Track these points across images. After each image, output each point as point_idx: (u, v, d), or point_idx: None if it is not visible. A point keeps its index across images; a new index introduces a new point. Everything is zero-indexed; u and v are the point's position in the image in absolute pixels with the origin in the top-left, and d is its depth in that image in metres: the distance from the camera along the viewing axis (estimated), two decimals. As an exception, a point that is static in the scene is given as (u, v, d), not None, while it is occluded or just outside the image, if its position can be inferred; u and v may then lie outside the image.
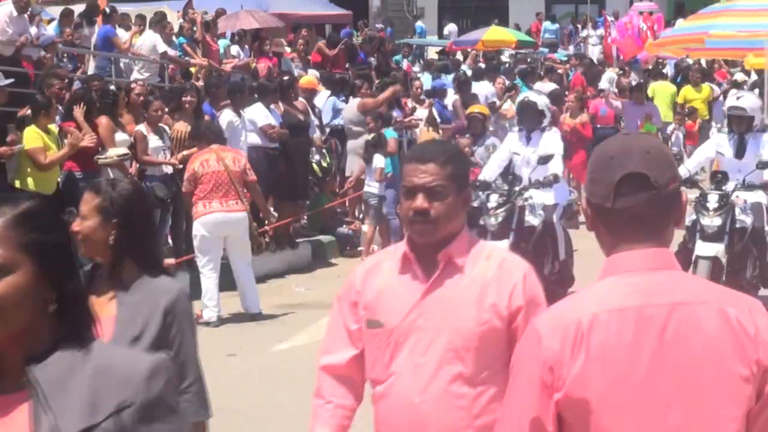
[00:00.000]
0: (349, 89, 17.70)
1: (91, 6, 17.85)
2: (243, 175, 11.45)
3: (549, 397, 2.49)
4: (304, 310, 11.84)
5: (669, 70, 26.52)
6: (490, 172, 11.63)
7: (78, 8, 17.95)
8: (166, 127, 13.08)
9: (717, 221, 10.49)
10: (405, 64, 25.19)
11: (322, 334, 4.13)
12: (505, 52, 29.74)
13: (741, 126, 11.11)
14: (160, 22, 17.93)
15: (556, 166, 11.22)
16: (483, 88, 19.90)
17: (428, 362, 3.59)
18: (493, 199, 10.98)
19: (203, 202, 11.31)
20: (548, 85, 21.16)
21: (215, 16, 20.50)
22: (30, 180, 11.71)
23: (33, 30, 15.65)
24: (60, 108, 12.59)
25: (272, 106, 14.60)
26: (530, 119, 11.65)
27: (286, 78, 16.16)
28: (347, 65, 21.80)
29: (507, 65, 26.15)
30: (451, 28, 35.50)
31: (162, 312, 4.07)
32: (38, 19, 16.68)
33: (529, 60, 27.89)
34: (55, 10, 18.54)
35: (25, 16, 14.75)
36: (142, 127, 12.85)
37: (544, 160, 11.12)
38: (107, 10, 18.06)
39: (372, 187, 14.87)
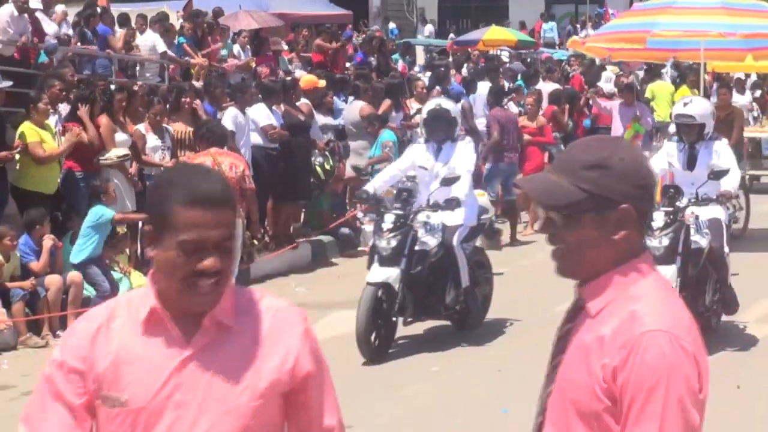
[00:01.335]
0: (350, 89, 17.65)
1: (90, 4, 17.85)
2: (240, 182, 11.17)
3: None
4: (304, 310, 11.82)
5: (668, 70, 26.53)
6: (378, 183, 10.38)
7: (74, 11, 17.97)
8: (170, 128, 13.08)
9: (665, 242, 9.42)
10: (401, 64, 25.14)
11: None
12: (505, 52, 29.75)
13: (691, 135, 10.23)
14: (161, 22, 17.95)
15: (460, 189, 9.93)
16: (484, 89, 19.87)
17: None
18: (389, 220, 9.82)
19: None
20: (549, 85, 21.17)
21: (215, 16, 20.48)
22: (31, 180, 11.70)
23: (55, 27, 15.74)
24: (60, 109, 12.60)
25: (274, 107, 14.61)
26: (441, 129, 10.29)
27: (288, 79, 16.19)
28: (347, 65, 21.81)
29: (507, 65, 26.15)
30: (429, 28, 35.47)
31: None
32: (58, 16, 16.74)
33: (529, 60, 27.89)
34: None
35: (26, 16, 14.76)
36: (141, 127, 12.87)
37: (448, 182, 9.96)
38: (99, 9, 18.04)
39: None
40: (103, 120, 12.40)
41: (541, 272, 13.87)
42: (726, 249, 9.94)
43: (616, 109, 18.50)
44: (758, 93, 25.61)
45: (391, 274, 9.58)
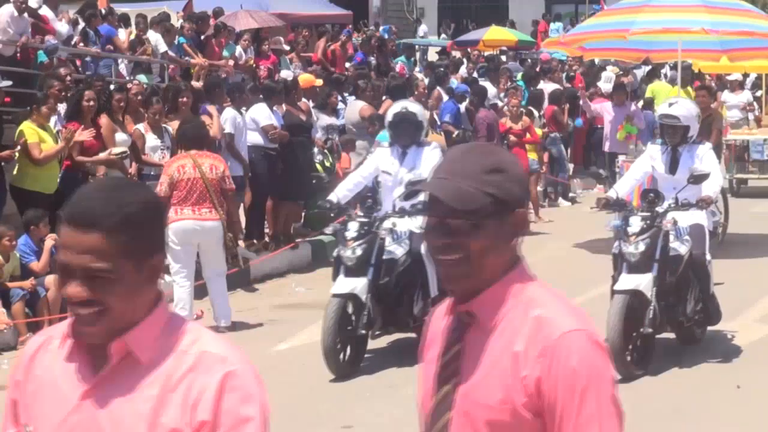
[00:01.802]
0: (351, 89, 17.65)
1: (90, 4, 17.86)
2: (221, 182, 11.02)
3: None
4: (304, 310, 11.82)
5: (668, 70, 26.55)
6: (342, 191, 9.93)
7: (71, 10, 17.99)
8: (169, 128, 13.07)
9: (641, 247, 9.01)
10: (399, 65, 25.14)
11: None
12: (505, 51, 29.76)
13: (674, 137, 9.89)
14: (162, 23, 17.95)
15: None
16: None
17: None
18: (352, 228, 9.41)
19: (175, 209, 10.86)
20: (550, 85, 21.18)
21: (215, 16, 20.49)
22: (30, 180, 11.70)
23: (66, 27, 15.76)
24: (60, 109, 12.60)
25: (275, 108, 14.61)
26: (407, 133, 9.88)
27: (289, 79, 16.18)
28: (346, 65, 21.81)
29: (507, 65, 26.15)
30: (424, 28, 35.45)
31: None
32: (64, 16, 16.75)
33: (529, 60, 27.88)
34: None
35: (26, 16, 14.78)
36: (141, 126, 12.87)
37: (413, 185, 9.16)
38: (103, 11, 18.05)
39: None
40: (103, 120, 12.39)
41: (542, 270, 13.93)
42: (708, 257, 9.51)
43: (608, 110, 18.43)
44: (759, 93, 25.53)
45: (358, 284, 9.19)
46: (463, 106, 18.33)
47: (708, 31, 14.66)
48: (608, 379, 2.50)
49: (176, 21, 19.73)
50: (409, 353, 9.90)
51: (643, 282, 8.90)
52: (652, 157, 10.05)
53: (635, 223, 9.11)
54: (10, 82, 13.17)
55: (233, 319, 11.19)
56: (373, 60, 22.80)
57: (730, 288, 11.03)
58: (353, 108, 16.47)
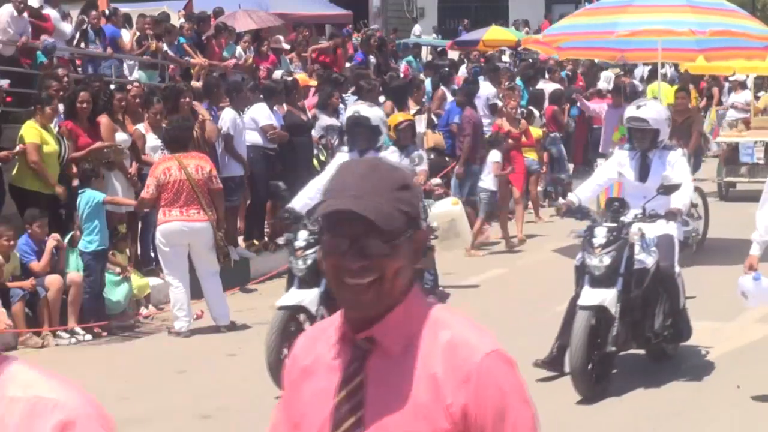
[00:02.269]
0: (353, 90, 17.57)
1: (91, 4, 17.85)
2: (208, 183, 11.01)
3: None
4: (305, 310, 11.81)
5: (667, 70, 26.54)
6: (302, 200, 9.49)
7: (78, 12, 17.96)
8: (170, 128, 13.08)
9: (605, 261, 8.49)
10: (403, 65, 25.13)
11: None
12: (506, 52, 29.73)
13: (643, 141, 9.27)
14: (163, 23, 17.95)
15: None
16: (484, 89, 19.85)
17: None
18: (302, 237, 8.97)
19: (164, 210, 10.89)
20: (550, 85, 21.17)
21: (215, 16, 20.47)
22: (30, 180, 11.69)
23: (69, 27, 15.77)
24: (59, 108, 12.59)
25: (276, 108, 14.60)
26: (362, 138, 9.59)
27: (289, 79, 16.17)
28: (346, 65, 21.79)
29: (507, 65, 26.13)
30: (416, 29, 35.44)
31: None
32: (70, 18, 16.76)
33: (531, 60, 27.88)
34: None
35: (25, 15, 14.78)
36: (141, 126, 12.86)
37: None
38: (107, 11, 18.05)
39: (485, 181, 15.32)
40: (103, 120, 12.39)
41: (541, 273, 13.90)
42: (677, 269, 9.01)
43: (604, 110, 18.33)
44: (761, 94, 25.49)
45: (305, 297, 8.72)
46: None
47: (695, 33, 14.44)
48: (529, 397, 2.44)
49: (176, 21, 19.72)
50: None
51: (608, 297, 8.40)
52: (619, 164, 9.41)
53: (600, 235, 8.57)
54: (7, 81, 13.17)
55: (232, 319, 11.20)
56: (372, 59, 22.77)
57: (731, 288, 10.99)
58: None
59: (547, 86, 20.95)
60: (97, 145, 12.10)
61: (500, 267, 14.16)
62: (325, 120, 15.94)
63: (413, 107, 18.09)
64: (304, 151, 14.64)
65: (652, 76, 24.00)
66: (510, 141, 16.18)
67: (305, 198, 9.42)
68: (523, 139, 16.73)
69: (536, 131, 17.81)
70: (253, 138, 14.08)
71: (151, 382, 9.33)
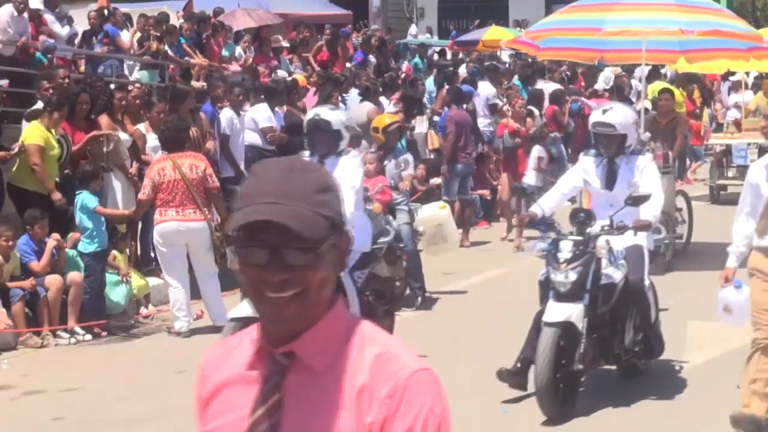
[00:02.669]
0: (360, 91, 17.57)
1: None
2: (203, 182, 10.94)
3: None
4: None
5: (667, 70, 26.53)
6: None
7: (78, 12, 17.96)
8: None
9: (572, 276, 8.02)
10: (405, 65, 25.14)
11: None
12: (505, 52, 29.71)
13: (610, 147, 8.69)
14: (163, 23, 17.95)
15: (344, 209, 9.13)
16: (484, 89, 19.87)
17: None
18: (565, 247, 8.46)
19: (160, 210, 10.87)
20: (550, 85, 21.17)
21: (214, 17, 20.48)
22: (29, 179, 11.68)
23: (66, 29, 15.78)
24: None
25: (276, 109, 14.59)
26: (322, 142, 9.16)
27: (289, 79, 16.18)
28: (347, 65, 21.80)
29: (507, 65, 26.14)
30: (412, 30, 35.42)
31: None
32: (68, 17, 16.77)
33: (529, 59, 27.88)
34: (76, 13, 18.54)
35: (25, 15, 14.79)
36: (141, 127, 12.86)
37: None
38: (106, 12, 18.06)
39: (528, 177, 15.46)
40: (104, 120, 12.40)
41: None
42: (647, 281, 8.57)
43: None
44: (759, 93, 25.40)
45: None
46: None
47: (685, 32, 14.18)
48: (450, 420, 2.34)
49: (176, 21, 19.72)
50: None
51: (574, 312, 7.95)
52: (585, 171, 8.86)
53: (566, 249, 8.11)
54: (6, 81, 13.17)
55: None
56: (372, 59, 22.78)
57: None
58: (361, 109, 16.37)
59: (546, 86, 20.95)
60: (93, 133, 12.12)
61: (500, 267, 14.16)
62: (324, 120, 15.94)
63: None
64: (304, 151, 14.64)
65: (652, 76, 24.03)
66: (518, 140, 16.24)
67: None
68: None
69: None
70: (252, 138, 14.08)
71: (151, 382, 9.33)
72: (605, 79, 24.00)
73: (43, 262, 10.96)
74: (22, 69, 14.55)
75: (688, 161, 23.82)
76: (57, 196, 11.57)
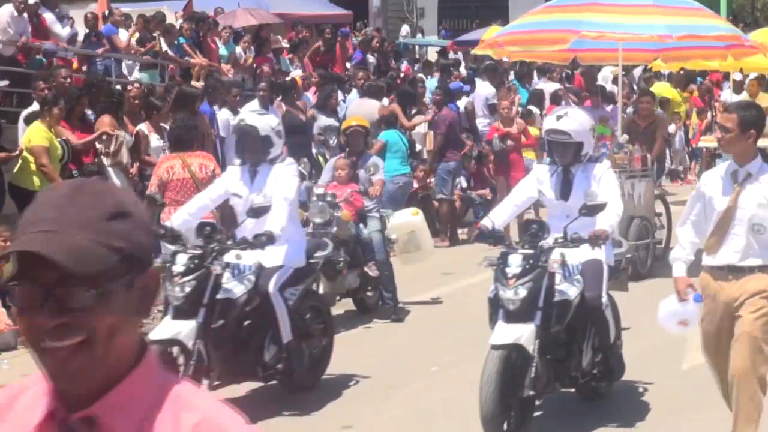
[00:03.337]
0: (359, 89, 17.59)
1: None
2: (212, 180, 10.62)
3: None
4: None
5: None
6: (181, 217, 8.48)
7: (78, 12, 18.00)
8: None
9: (521, 293, 7.38)
10: (404, 65, 25.14)
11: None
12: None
13: (565, 155, 8.05)
14: (162, 23, 17.98)
15: (275, 222, 8.08)
16: (483, 89, 19.88)
17: None
18: (180, 261, 7.87)
19: (169, 209, 10.68)
20: (550, 85, 21.18)
21: (214, 16, 20.51)
22: (31, 179, 11.69)
23: (67, 30, 15.80)
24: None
25: (273, 106, 14.57)
26: (251, 149, 8.46)
27: (287, 79, 16.16)
28: (347, 64, 21.82)
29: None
30: (403, 31, 35.43)
31: None
32: (71, 21, 16.80)
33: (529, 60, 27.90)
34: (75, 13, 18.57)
35: (25, 15, 14.81)
36: (144, 127, 12.84)
37: (255, 213, 8.06)
38: (105, 12, 18.10)
39: None
40: (105, 119, 12.41)
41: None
42: (605, 299, 7.84)
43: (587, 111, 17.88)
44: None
45: (184, 328, 7.69)
46: (462, 105, 18.34)
47: (663, 37, 13.86)
48: None
49: (175, 21, 19.74)
50: (409, 352, 9.91)
51: (524, 334, 7.32)
52: (539, 180, 8.21)
53: (515, 263, 7.48)
54: (6, 82, 13.20)
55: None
56: (371, 58, 22.78)
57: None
58: (368, 106, 16.29)
59: (547, 86, 20.96)
60: (100, 131, 12.15)
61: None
62: (323, 120, 15.92)
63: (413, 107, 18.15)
64: (301, 151, 14.64)
65: (653, 76, 24.05)
66: (509, 142, 16.11)
67: (185, 214, 8.50)
68: (523, 139, 16.74)
69: (535, 131, 17.79)
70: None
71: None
72: (604, 78, 23.99)
73: (42, 262, 10.96)
74: (22, 69, 14.57)
75: (687, 162, 23.85)
76: None
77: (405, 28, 35.91)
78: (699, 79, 26.41)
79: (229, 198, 8.64)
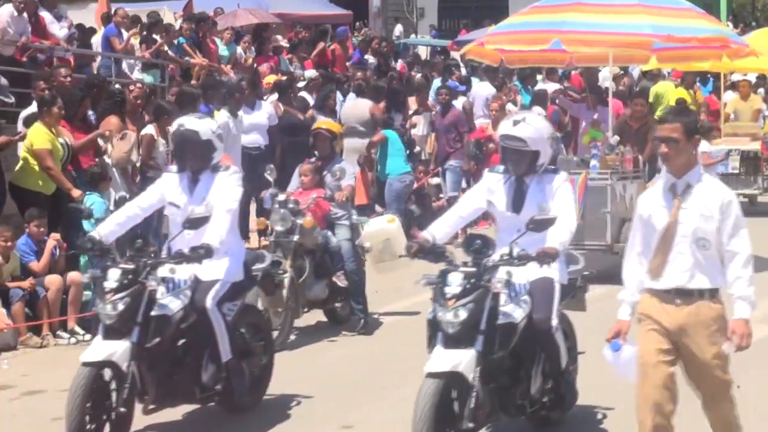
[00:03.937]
0: (354, 88, 17.61)
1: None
2: None
3: None
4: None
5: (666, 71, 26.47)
6: (108, 227, 7.85)
7: (76, 13, 18.01)
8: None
9: (461, 315, 6.77)
10: (399, 64, 25.15)
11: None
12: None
13: (519, 165, 7.37)
14: (160, 23, 18.01)
15: (213, 234, 7.57)
16: (483, 89, 19.89)
17: None
18: (113, 277, 7.37)
19: None
20: (551, 85, 21.18)
21: (213, 16, 20.53)
22: (31, 179, 11.69)
23: (65, 31, 15.83)
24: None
25: (272, 108, 14.59)
26: (191, 156, 7.89)
27: (284, 78, 16.16)
28: (347, 64, 21.84)
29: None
30: (396, 30, 35.47)
31: None
32: (69, 22, 16.82)
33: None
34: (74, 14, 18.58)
35: (25, 16, 14.82)
36: (152, 130, 12.78)
37: (193, 224, 7.55)
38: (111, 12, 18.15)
39: None
40: (112, 120, 12.44)
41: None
42: (555, 321, 7.19)
43: (581, 112, 17.77)
44: (761, 91, 25.23)
45: (118, 348, 7.25)
46: (458, 105, 18.37)
47: (653, 36, 13.62)
48: None
49: (174, 21, 19.76)
50: (410, 352, 9.90)
51: (464, 360, 6.70)
52: (489, 190, 7.52)
53: (455, 282, 6.87)
54: (13, 100, 13.28)
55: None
56: (370, 58, 22.80)
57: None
58: (361, 106, 16.30)
59: (548, 86, 20.96)
60: (93, 134, 12.17)
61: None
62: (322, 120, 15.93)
63: (413, 107, 18.19)
64: (299, 151, 14.63)
65: (656, 76, 23.95)
66: (491, 146, 15.75)
67: (113, 224, 7.88)
68: None
69: None
70: (246, 140, 14.08)
71: (151, 382, 9.28)
72: (604, 78, 23.96)
73: (42, 263, 10.97)
74: (22, 69, 14.57)
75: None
76: (77, 192, 11.58)
77: (398, 28, 35.95)
78: (698, 79, 26.31)
79: (163, 207, 8.02)
